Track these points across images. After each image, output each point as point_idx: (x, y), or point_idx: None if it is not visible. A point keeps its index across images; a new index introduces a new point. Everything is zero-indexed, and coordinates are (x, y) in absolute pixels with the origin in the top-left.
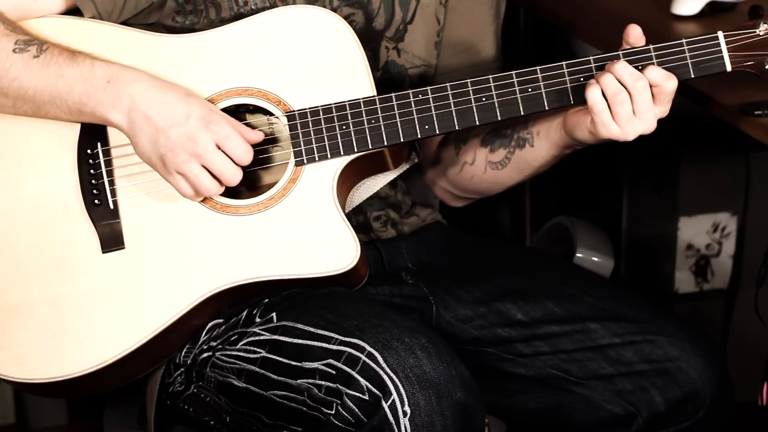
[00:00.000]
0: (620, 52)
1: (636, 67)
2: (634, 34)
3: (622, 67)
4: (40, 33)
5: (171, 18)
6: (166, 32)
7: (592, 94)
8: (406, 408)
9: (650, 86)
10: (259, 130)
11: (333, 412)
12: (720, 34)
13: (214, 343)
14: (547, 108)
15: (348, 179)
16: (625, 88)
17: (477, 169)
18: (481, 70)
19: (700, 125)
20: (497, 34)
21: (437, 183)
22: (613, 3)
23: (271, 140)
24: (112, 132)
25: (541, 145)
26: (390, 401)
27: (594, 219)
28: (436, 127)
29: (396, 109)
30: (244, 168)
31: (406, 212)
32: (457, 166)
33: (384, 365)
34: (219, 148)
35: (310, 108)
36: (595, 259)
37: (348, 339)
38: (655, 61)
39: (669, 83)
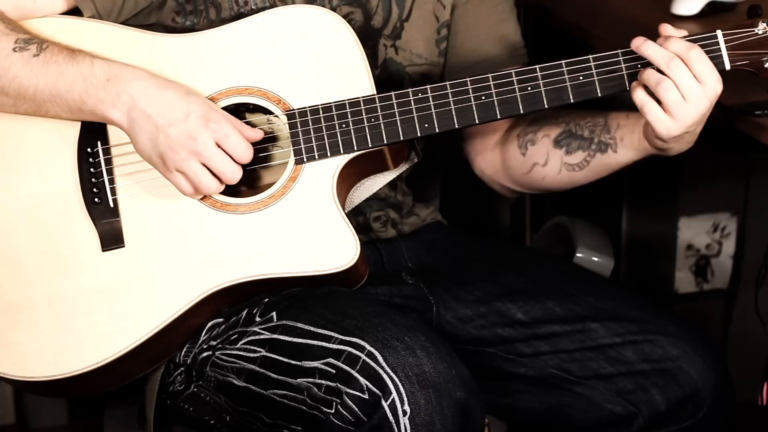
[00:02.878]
0: (619, 51)
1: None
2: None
3: (654, 50)
4: (40, 33)
5: (171, 18)
6: (166, 33)
7: (638, 95)
8: (406, 407)
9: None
10: (259, 128)
11: (333, 411)
12: (719, 33)
13: (214, 343)
14: (546, 106)
15: (348, 178)
16: (662, 72)
17: (550, 171)
18: (515, 55)
19: None
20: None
21: (496, 181)
22: (613, 4)
23: (271, 139)
24: (112, 131)
25: (625, 152)
26: (390, 400)
27: (594, 219)
28: (436, 126)
29: (396, 107)
30: (243, 166)
31: (406, 212)
32: (525, 166)
33: (384, 364)
34: (219, 146)
35: (309, 107)
36: (595, 259)
37: (348, 338)
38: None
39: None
